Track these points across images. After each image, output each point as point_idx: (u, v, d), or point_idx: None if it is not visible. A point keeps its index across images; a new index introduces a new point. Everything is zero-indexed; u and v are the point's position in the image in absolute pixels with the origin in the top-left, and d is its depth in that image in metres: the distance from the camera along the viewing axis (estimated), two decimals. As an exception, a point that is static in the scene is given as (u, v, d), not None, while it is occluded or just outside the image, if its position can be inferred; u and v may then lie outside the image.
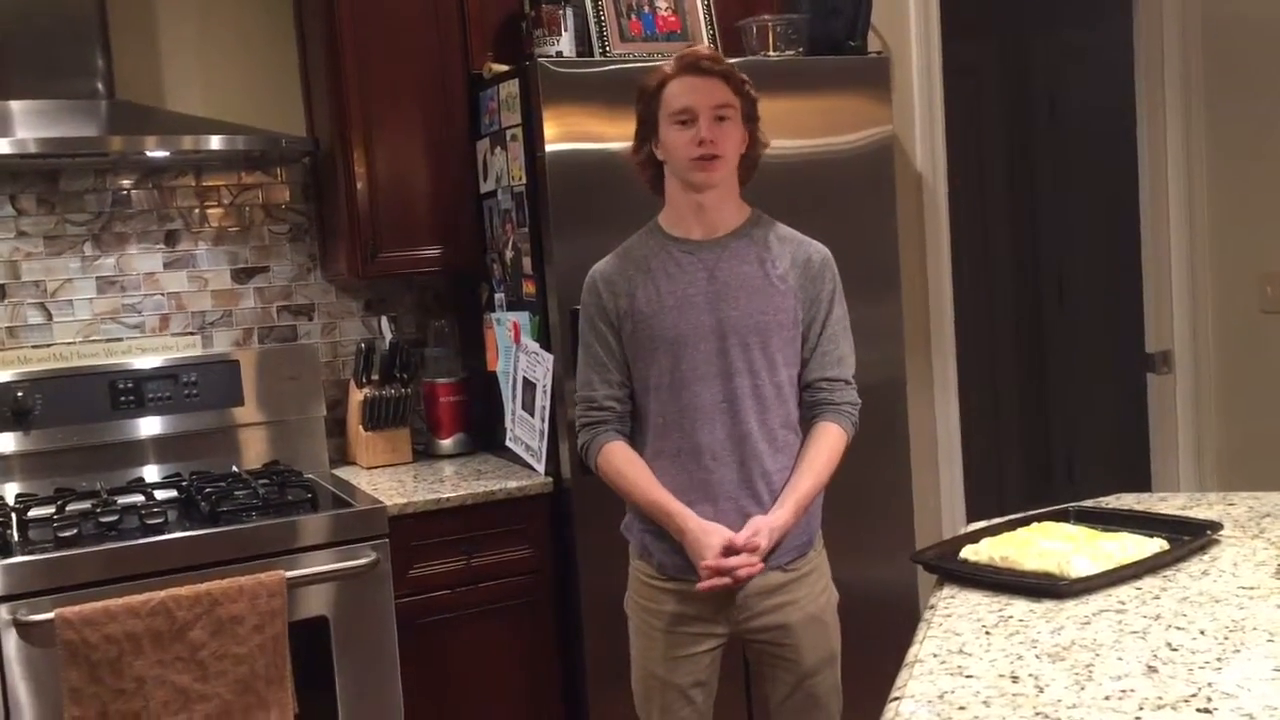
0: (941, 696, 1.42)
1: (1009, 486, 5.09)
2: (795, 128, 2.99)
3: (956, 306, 3.53)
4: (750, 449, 2.17)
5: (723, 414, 2.16)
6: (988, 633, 1.62)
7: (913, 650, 1.58)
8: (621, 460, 2.22)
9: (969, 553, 1.95)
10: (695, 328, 2.17)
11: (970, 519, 3.38)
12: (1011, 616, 1.68)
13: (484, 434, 3.18)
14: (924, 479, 3.37)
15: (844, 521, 3.07)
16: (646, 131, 2.21)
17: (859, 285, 3.06)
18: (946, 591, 1.83)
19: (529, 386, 2.89)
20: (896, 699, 1.43)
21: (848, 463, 3.05)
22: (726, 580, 2.09)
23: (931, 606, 1.77)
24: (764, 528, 2.12)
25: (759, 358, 2.17)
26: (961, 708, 1.38)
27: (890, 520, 3.15)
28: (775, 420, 2.19)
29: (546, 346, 2.81)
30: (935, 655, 1.55)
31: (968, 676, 1.48)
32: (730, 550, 2.09)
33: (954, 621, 1.68)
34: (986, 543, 1.97)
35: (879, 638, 3.10)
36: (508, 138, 2.88)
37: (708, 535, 2.11)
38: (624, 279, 2.22)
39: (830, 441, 2.21)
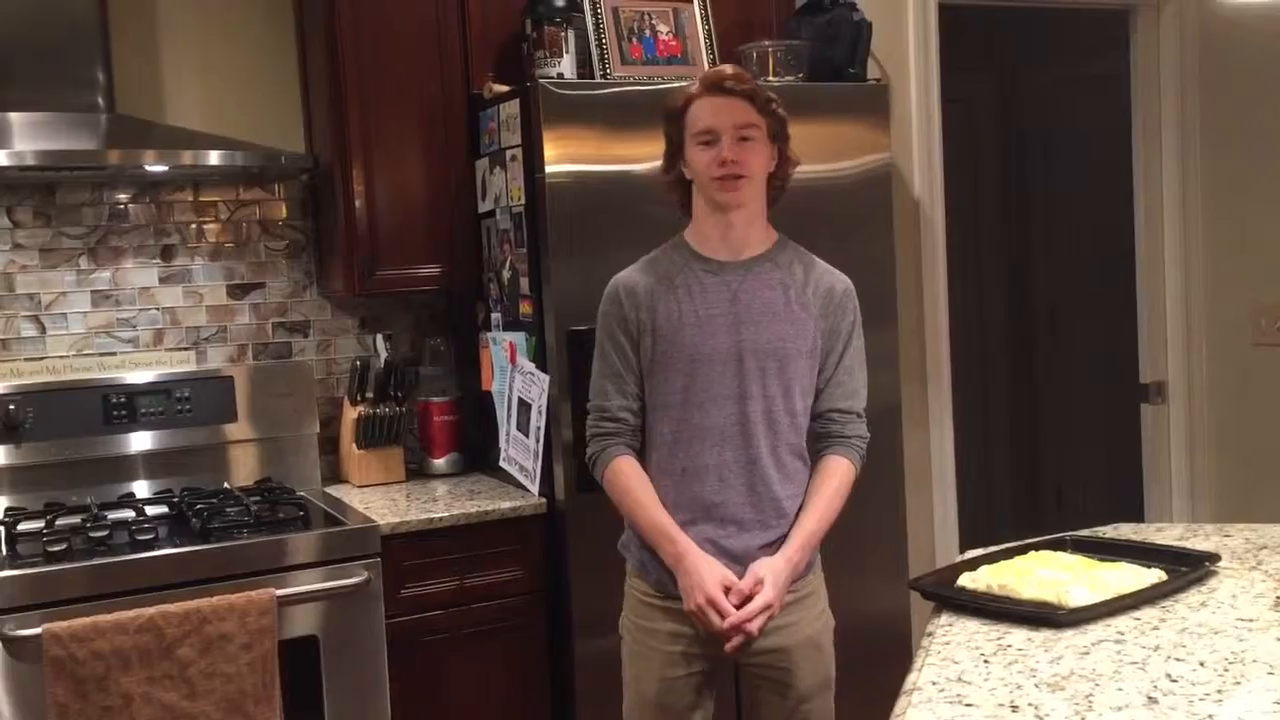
0: (941, 725, 1.41)
1: (1000, 515, 5.09)
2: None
3: (951, 335, 3.53)
4: (759, 473, 2.16)
5: (734, 436, 2.16)
6: (986, 661, 1.61)
7: (911, 678, 1.57)
8: (629, 477, 2.21)
9: (966, 580, 1.94)
10: (714, 349, 2.17)
11: (963, 547, 3.38)
12: (1010, 645, 1.67)
13: (478, 454, 3.17)
14: (918, 506, 3.37)
15: (838, 547, 3.05)
16: (674, 151, 2.23)
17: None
18: (944, 619, 1.82)
19: (524, 407, 2.88)
20: (896, 727, 1.42)
21: None
22: (743, 637, 2.08)
23: (929, 634, 1.76)
24: (767, 574, 2.09)
25: (775, 383, 2.17)
26: (961, 736, 1.37)
27: (884, 547, 3.14)
28: (785, 447, 2.19)
29: (543, 367, 2.80)
30: (934, 683, 1.54)
31: (967, 705, 1.47)
32: (732, 591, 2.08)
33: (952, 649, 1.67)
34: (984, 570, 1.97)
35: (872, 664, 3.09)
36: (507, 158, 2.88)
37: (707, 571, 2.09)
38: (647, 292, 2.21)
39: (840, 477, 2.22)
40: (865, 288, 3.06)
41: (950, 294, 3.53)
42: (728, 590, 2.08)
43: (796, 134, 2.97)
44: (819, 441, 2.24)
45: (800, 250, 2.29)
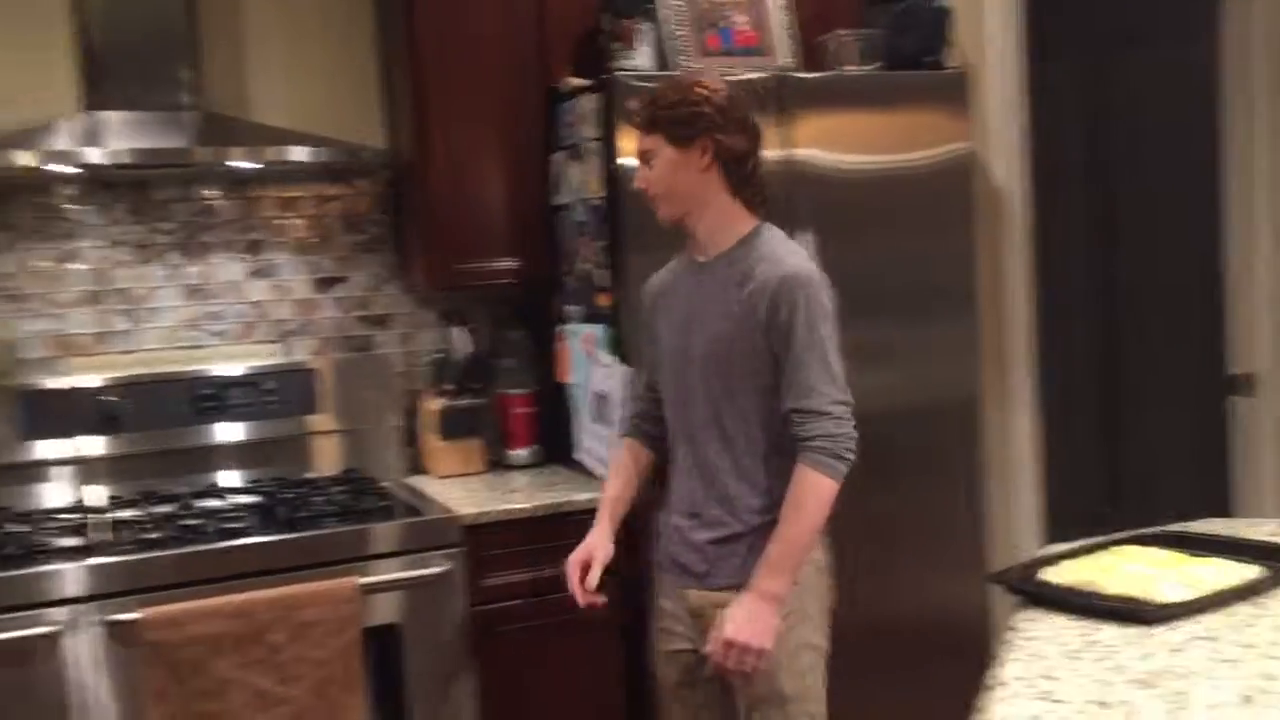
0: (1029, 721, 1.40)
1: (1082, 507, 5.00)
2: (873, 143, 2.98)
3: (1033, 324, 3.48)
4: (711, 472, 2.20)
5: (689, 436, 2.22)
6: (1074, 657, 1.59)
7: (996, 673, 1.56)
8: (616, 457, 2.43)
9: (1050, 575, 1.92)
10: (673, 350, 2.24)
11: (1044, 540, 3.33)
12: (1098, 641, 1.65)
13: (555, 446, 3.19)
14: (997, 499, 3.33)
15: (914, 540, 3.05)
16: None
17: (934, 302, 3.06)
18: (1028, 614, 1.80)
19: (601, 399, 2.90)
20: (982, 721, 1.41)
21: (918, 482, 3.05)
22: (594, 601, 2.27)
23: (1013, 629, 1.74)
24: (727, 613, 2.09)
25: (716, 384, 2.15)
26: (1050, 733, 1.36)
27: (961, 539, 3.11)
28: (741, 450, 2.16)
29: (620, 359, 2.82)
30: (1020, 678, 1.53)
31: (1055, 701, 1.45)
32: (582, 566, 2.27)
33: (1038, 645, 1.65)
34: (1067, 565, 1.94)
35: (948, 658, 3.08)
36: (585, 151, 2.90)
37: (581, 544, 2.31)
38: (655, 294, 2.35)
39: (799, 488, 2.08)
40: (945, 278, 3.06)
41: (1031, 283, 3.48)
42: (590, 565, 2.26)
43: (876, 124, 2.97)
44: (792, 446, 2.12)
45: (765, 243, 2.18)
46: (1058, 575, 1.91)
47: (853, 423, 2.11)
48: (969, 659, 3.07)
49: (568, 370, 3.07)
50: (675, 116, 2.15)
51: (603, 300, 2.89)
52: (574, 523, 2.76)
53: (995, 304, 3.36)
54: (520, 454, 3.16)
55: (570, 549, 2.75)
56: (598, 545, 2.29)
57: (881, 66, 3.05)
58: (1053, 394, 4.02)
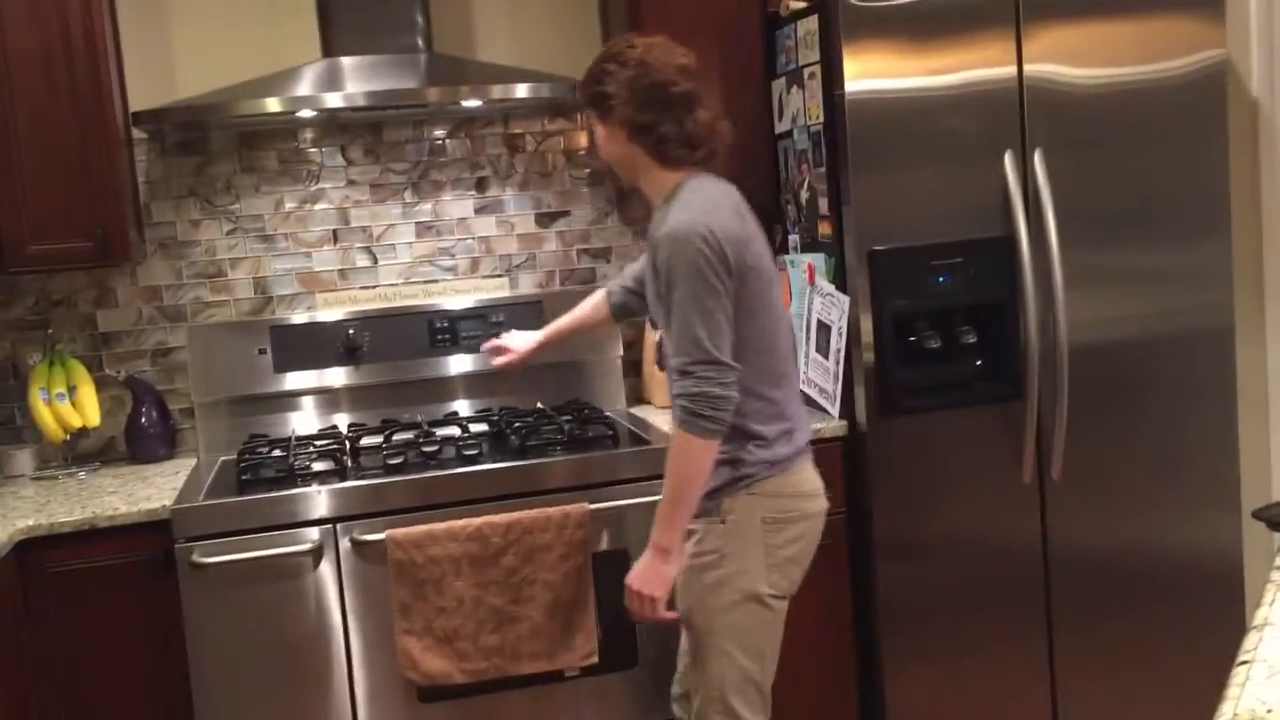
0: (1297, 664, 1.31)
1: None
2: (1112, 55, 2.80)
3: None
4: None
5: None
6: (1346, 599, 1.48)
7: (1261, 612, 1.47)
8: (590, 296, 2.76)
9: (1318, 512, 1.79)
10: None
11: (1303, 479, 3.11)
12: (1372, 583, 1.52)
13: (776, 376, 3.18)
14: (1252, 433, 3.12)
15: (1162, 475, 2.90)
16: None
17: (1181, 225, 2.87)
18: (1293, 553, 1.68)
19: (823, 329, 2.87)
20: (1246, 663, 1.33)
21: (1167, 415, 2.88)
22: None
23: (1278, 567, 1.63)
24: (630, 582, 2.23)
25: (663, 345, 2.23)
26: (1321, 677, 1.27)
27: (1213, 475, 2.94)
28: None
29: (842, 288, 2.77)
30: (1286, 620, 1.43)
31: (1325, 644, 1.35)
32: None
33: (1305, 585, 1.54)
34: (1338, 503, 1.80)
35: (1199, 596, 2.93)
36: (805, 76, 2.84)
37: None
38: None
39: (670, 449, 2.16)
40: (1193, 198, 2.86)
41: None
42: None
43: (1115, 33, 2.79)
44: None
45: (674, 200, 2.20)
46: (1325, 513, 1.78)
47: (716, 380, 2.09)
48: (1222, 597, 2.93)
49: (789, 300, 3.05)
50: (589, 96, 2.26)
51: (825, 228, 2.84)
52: (797, 453, 2.77)
53: (1251, 227, 3.12)
54: (741, 385, 3.16)
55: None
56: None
57: (1124, -29, 2.85)
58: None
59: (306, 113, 2.83)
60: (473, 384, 3.14)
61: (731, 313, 2.11)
